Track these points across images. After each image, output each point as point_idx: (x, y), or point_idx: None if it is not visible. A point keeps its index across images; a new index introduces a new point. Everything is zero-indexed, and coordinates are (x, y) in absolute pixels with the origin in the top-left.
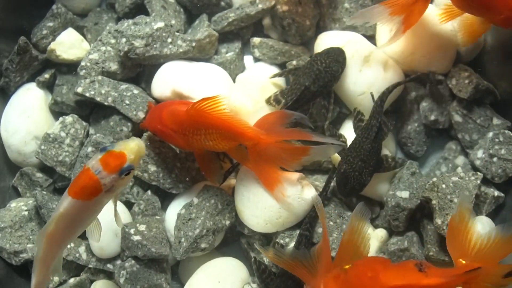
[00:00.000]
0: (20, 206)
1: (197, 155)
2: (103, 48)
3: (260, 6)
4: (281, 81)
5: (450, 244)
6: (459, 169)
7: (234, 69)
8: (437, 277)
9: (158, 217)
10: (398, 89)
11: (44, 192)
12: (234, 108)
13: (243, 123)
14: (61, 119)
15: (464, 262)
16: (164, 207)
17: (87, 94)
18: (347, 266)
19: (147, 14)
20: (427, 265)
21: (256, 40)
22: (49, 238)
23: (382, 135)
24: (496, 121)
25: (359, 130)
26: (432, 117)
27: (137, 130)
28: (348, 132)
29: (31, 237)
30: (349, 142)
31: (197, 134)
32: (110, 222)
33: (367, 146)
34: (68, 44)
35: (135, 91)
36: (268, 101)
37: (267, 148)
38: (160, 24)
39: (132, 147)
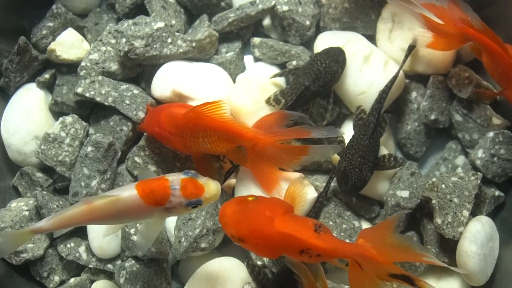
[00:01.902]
0: (20, 206)
1: (194, 157)
2: (103, 48)
3: (260, 6)
4: (281, 81)
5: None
6: (459, 170)
7: (234, 69)
8: (325, 242)
9: None
10: (398, 89)
11: (45, 192)
12: (234, 109)
13: (241, 124)
14: (61, 119)
15: (363, 240)
16: None
17: (87, 94)
18: (251, 198)
19: (147, 14)
20: (325, 229)
21: (256, 40)
22: (88, 209)
23: (380, 131)
24: (496, 121)
25: (357, 127)
26: (432, 117)
27: (136, 131)
28: (348, 132)
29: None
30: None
31: (195, 137)
32: None
33: (365, 142)
34: (68, 44)
35: (135, 91)
36: (268, 101)
37: (266, 148)
38: (160, 24)
39: (212, 189)
